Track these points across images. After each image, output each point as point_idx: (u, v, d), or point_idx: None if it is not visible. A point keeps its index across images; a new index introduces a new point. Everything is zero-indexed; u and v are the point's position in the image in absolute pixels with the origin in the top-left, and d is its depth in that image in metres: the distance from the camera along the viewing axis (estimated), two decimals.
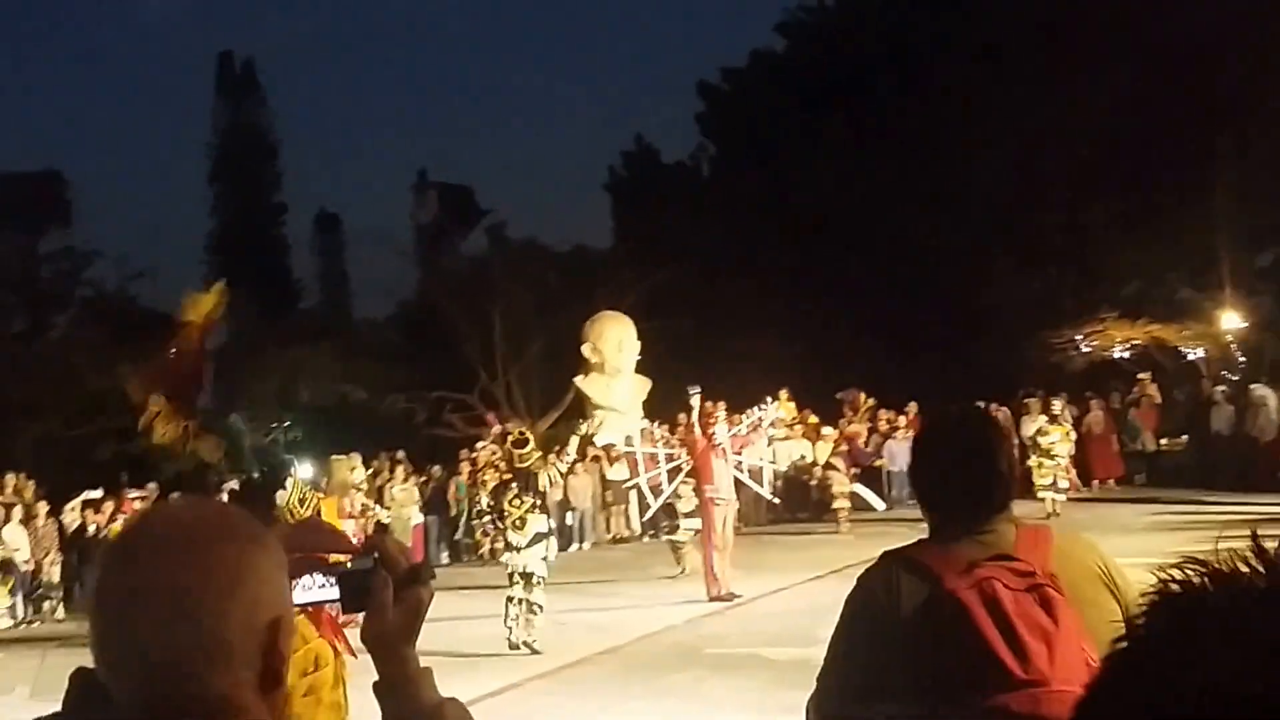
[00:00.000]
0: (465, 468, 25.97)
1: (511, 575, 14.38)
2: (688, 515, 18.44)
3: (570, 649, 14.00)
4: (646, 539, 23.02)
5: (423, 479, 26.28)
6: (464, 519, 25.03)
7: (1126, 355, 32.79)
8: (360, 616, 1.96)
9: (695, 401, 18.21)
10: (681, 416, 20.84)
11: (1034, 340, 33.08)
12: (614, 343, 28.84)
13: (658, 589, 17.96)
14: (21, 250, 46.85)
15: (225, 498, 22.54)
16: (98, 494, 23.37)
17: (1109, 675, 0.97)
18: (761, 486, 20.42)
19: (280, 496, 8.65)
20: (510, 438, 15.74)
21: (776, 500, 23.10)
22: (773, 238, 39.17)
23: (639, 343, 29.18)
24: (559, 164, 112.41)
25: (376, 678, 1.96)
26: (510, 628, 14.18)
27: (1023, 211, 35.01)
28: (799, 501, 27.34)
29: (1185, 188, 30.96)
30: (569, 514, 26.44)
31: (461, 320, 34.77)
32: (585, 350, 29.43)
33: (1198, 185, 30.47)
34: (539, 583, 14.38)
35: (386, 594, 1.95)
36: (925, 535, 3.18)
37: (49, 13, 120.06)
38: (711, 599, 16.68)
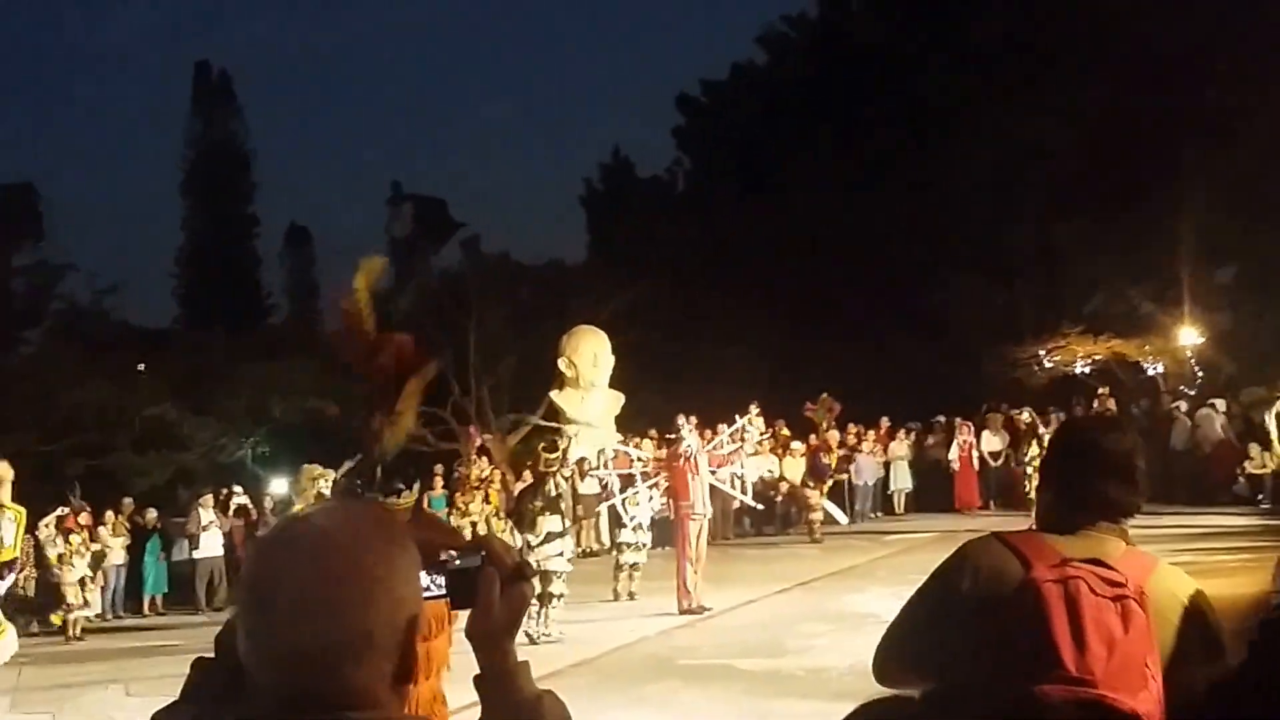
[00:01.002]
0: (439, 481, 26.22)
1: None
2: (634, 537, 18.68)
3: (544, 661, 14.05)
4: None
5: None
6: None
7: (1087, 370, 33.07)
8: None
9: (686, 433, 18.53)
10: (652, 432, 21.16)
11: (997, 355, 33.41)
12: (589, 357, 28.95)
13: (629, 602, 18.23)
14: None
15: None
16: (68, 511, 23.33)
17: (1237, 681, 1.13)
18: (746, 497, 20.76)
19: None
20: (542, 444, 16.52)
21: (758, 506, 23.42)
22: (746, 251, 39.38)
23: (613, 357, 29.36)
24: (534, 178, 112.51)
25: (477, 671, 2.06)
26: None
27: (990, 226, 35.30)
28: (765, 515, 27.65)
29: (1148, 204, 31.30)
30: None
31: (434, 334, 34.78)
32: (560, 364, 29.56)
33: (1160, 202, 30.82)
34: (559, 575, 15.56)
35: (493, 590, 2.04)
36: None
37: (20, 23, 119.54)
38: (683, 611, 16.96)
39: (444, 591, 2.07)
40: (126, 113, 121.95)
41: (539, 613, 15.21)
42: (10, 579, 10.19)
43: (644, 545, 18.52)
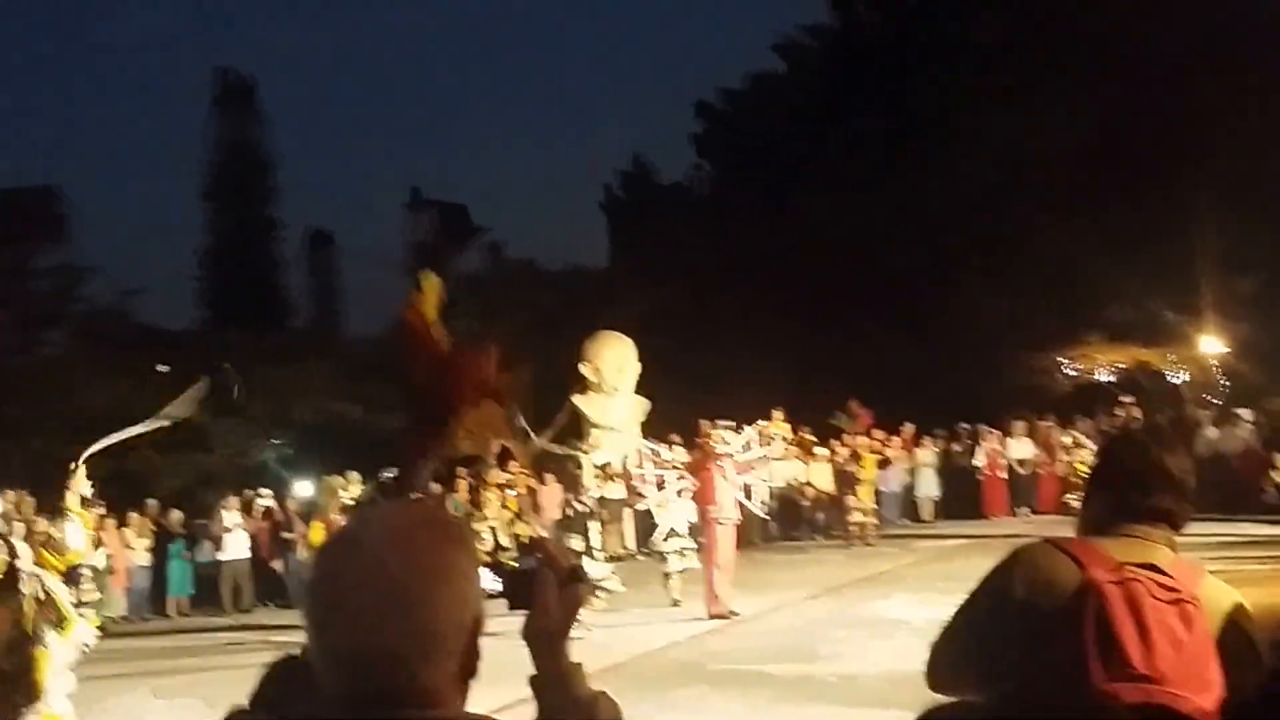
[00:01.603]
0: (461, 485, 26.20)
1: None
2: (671, 538, 18.64)
3: None
4: (641, 556, 23.26)
5: (418, 496, 26.44)
6: None
7: (1111, 378, 32.94)
8: None
9: (721, 436, 18.55)
10: (675, 437, 21.09)
11: (1020, 362, 33.30)
12: (614, 362, 28.67)
13: (657, 606, 18.15)
14: (16, 266, 46.74)
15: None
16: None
17: None
18: (755, 504, 20.69)
19: None
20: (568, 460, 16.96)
21: (768, 519, 23.38)
22: (767, 257, 39.31)
23: (639, 363, 29.30)
24: (555, 183, 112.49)
25: (533, 672, 2.10)
26: None
27: (1009, 232, 35.21)
28: (792, 521, 27.64)
29: (1168, 211, 31.13)
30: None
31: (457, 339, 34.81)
32: (584, 369, 29.41)
33: (1181, 209, 30.65)
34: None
35: (550, 593, 2.10)
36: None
37: (44, 27, 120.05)
38: (711, 616, 16.95)
39: (501, 591, 2.12)
40: (148, 116, 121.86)
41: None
42: (82, 579, 10.49)
43: (690, 550, 18.43)
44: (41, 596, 9.64)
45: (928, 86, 38.29)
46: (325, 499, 19.83)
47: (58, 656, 9.68)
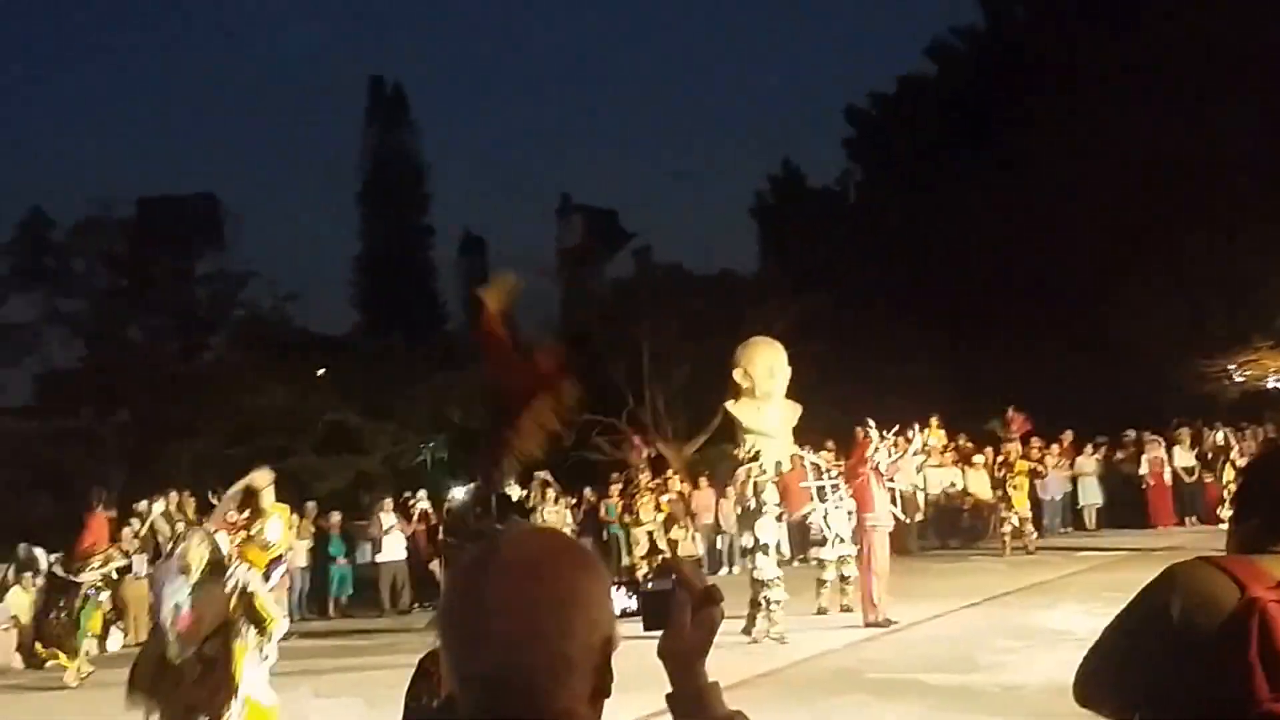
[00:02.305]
0: (615, 490, 26.24)
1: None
2: (833, 546, 18.42)
3: (728, 672, 13.93)
4: (796, 564, 23.07)
5: (573, 501, 26.53)
6: (622, 547, 25.37)
7: None
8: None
9: (874, 434, 18.36)
10: (829, 444, 20.96)
11: (1185, 368, 32.57)
12: (765, 368, 28.66)
13: (811, 614, 17.90)
14: (177, 272, 47.87)
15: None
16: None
17: None
18: (903, 511, 20.41)
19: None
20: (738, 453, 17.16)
21: (905, 519, 23.11)
22: (920, 263, 38.96)
23: (790, 369, 29.10)
24: (704, 188, 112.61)
25: (670, 690, 2.11)
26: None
27: (1172, 237, 34.50)
28: (950, 529, 27.30)
29: None
30: (719, 538, 26.60)
31: (607, 344, 34.90)
32: (736, 375, 29.30)
33: None
34: (768, 583, 16.29)
35: (685, 613, 2.10)
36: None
37: (204, 39, 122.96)
38: (868, 624, 16.74)
39: (638, 612, 2.15)
40: (305, 124, 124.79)
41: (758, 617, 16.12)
42: (280, 571, 11.06)
43: (851, 557, 18.21)
44: (244, 591, 10.19)
45: (1085, 89, 37.57)
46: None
47: (254, 649, 10.25)
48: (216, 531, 10.60)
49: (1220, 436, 24.61)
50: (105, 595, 19.33)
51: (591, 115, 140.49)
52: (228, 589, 10.11)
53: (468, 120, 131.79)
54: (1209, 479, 27.28)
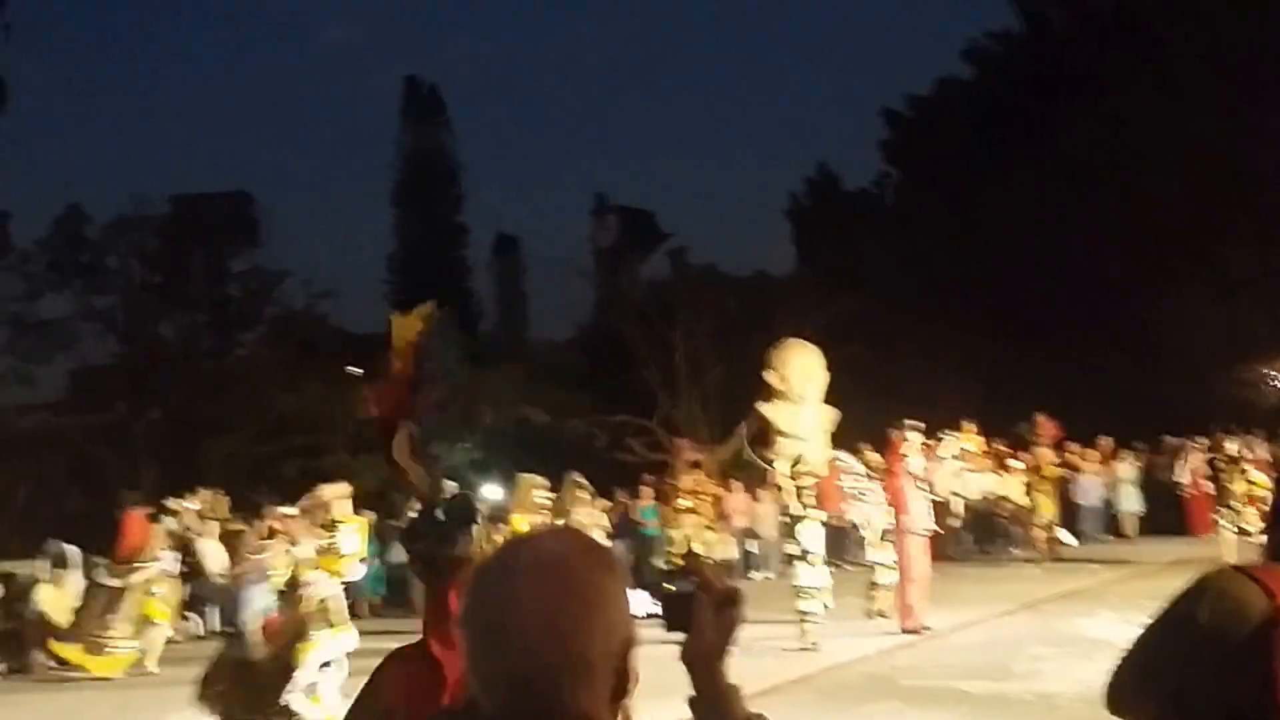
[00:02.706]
0: (648, 492, 26.06)
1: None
2: (881, 550, 18.19)
3: (761, 676, 13.85)
4: (832, 569, 22.89)
5: (608, 504, 26.31)
6: (657, 550, 25.25)
7: None
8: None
9: (913, 436, 18.22)
10: (864, 447, 20.78)
11: (1224, 373, 32.26)
12: (801, 371, 28.25)
13: (845, 618, 17.71)
14: (212, 269, 48.05)
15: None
16: (293, 511, 23.45)
17: None
18: (935, 521, 20.22)
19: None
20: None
21: (942, 531, 22.92)
22: (956, 267, 38.76)
23: (827, 373, 28.85)
24: (740, 189, 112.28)
25: (692, 693, 2.12)
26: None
27: (1212, 242, 34.23)
28: (987, 534, 27.11)
29: None
30: (751, 542, 26.45)
31: (641, 345, 34.80)
32: (771, 377, 29.06)
33: None
34: (806, 593, 16.24)
35: (706, 615, 2.11)
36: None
37: (238, 37, 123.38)
38: (904, 630, 16.58)
39: (658, 613, 2.14)
40: (339, 122, 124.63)
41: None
42: (355, 577, 11.55)
43: (894, 562, 18.03)
44: (320, 601, 10.81)
45: (1124, 94, 37.28)
46: (521, 495, 19.67)
47: (324, 652, 10.85)
48: (296, 542, 10.84)
49: (1235, 447, 24.22)
50: (164, 589, 19.39)
51: (627, 115, 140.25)
52: (305, 597, 10.54)
53: (503, 119, 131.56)
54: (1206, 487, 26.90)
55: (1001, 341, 36.01)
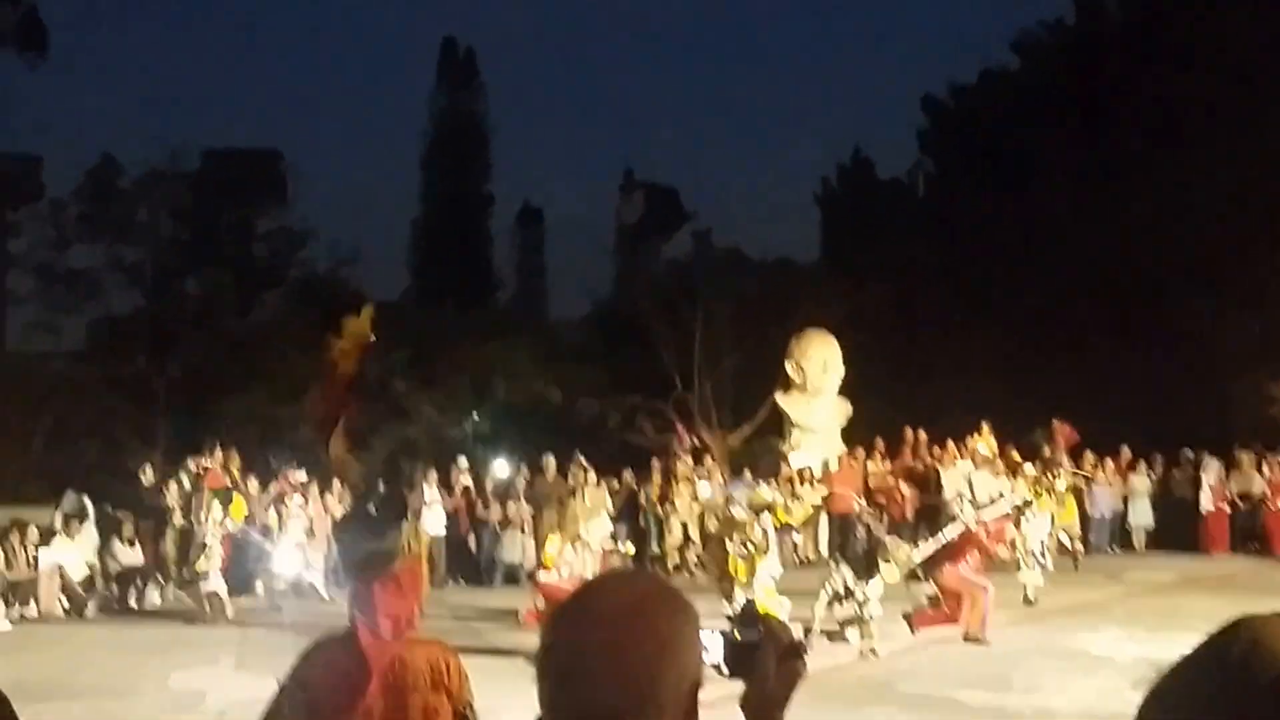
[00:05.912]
0: (656, 477, 25.97)
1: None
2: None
3: None
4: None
5: (615, 485, 26.16)
6: (654, 537, 25.26)
7: None
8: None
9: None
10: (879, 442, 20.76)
11: (1250, 387, 31.94)
12: (819, 362, 28.27)
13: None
14: (237, 227, 48.05)
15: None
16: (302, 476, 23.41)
17: None
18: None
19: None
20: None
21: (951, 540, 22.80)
22: (985, 262, 38.40)
23: (844, 366, 28.70)
24: (769, 172, 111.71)
25: None
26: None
27: (1246, 250, 33.82)
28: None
29: None
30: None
31: (659, 325, 34.63)
32: (788, 367, 28.95)
33: None
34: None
35: (769, 665, 2.14)
36: None
37: None
38: (973, 639, 16.14)
39: (723, 659, 2.15)
40: (372, 84, 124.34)
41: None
42: None
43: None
44: None
45: (1177, 94, 36.71)
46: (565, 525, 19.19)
47: None
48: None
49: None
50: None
51: (660, 91, 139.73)
52: None
53: (534, 88, 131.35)
54: (1272, 507, 26.74)
55: (1026, 341, 35.73)
